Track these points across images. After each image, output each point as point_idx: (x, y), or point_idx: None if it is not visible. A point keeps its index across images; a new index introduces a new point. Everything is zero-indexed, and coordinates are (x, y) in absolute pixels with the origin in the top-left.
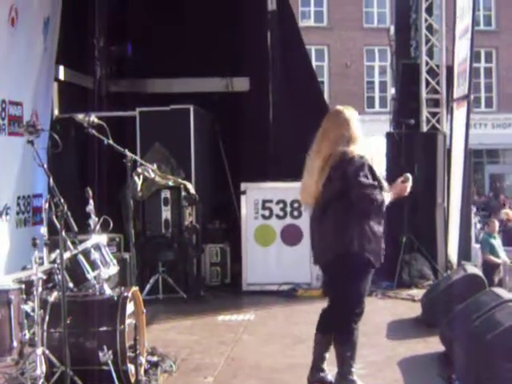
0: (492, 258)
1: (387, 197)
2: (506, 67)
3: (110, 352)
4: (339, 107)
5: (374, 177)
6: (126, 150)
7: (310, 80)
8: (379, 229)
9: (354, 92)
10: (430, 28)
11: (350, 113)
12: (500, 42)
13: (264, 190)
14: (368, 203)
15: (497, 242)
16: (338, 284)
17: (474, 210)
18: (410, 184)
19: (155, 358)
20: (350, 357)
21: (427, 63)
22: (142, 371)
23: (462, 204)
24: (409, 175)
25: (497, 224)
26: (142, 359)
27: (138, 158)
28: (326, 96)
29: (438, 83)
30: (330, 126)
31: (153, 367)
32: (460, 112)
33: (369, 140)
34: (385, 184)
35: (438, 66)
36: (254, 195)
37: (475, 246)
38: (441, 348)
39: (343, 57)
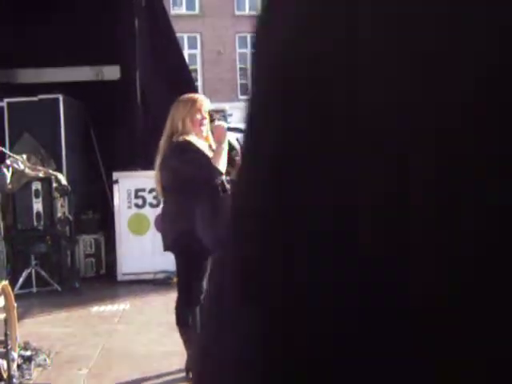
0: None
1: (216, 175)
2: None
3: None
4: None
5: (203, 160)
6: None
7: (181, 67)
8: (215, 212)
9: (228, 79)
10: None
11: (187, 99)
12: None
13: (136, 178)
14: (194, 187)
15: None
16: (176, 268)
17: None
18: None
19: (28, 353)
20: (186, 340)
21: None
22: (14, 366)
23: None
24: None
25: None
26: (15, 354)
27: (5, 149)
28: (199, 84)
29: None
30: (171, 113)
31: (26, 362)
32: None
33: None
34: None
35: None
36: (126, 184)
37: None
38: None
39: (216, 44)
